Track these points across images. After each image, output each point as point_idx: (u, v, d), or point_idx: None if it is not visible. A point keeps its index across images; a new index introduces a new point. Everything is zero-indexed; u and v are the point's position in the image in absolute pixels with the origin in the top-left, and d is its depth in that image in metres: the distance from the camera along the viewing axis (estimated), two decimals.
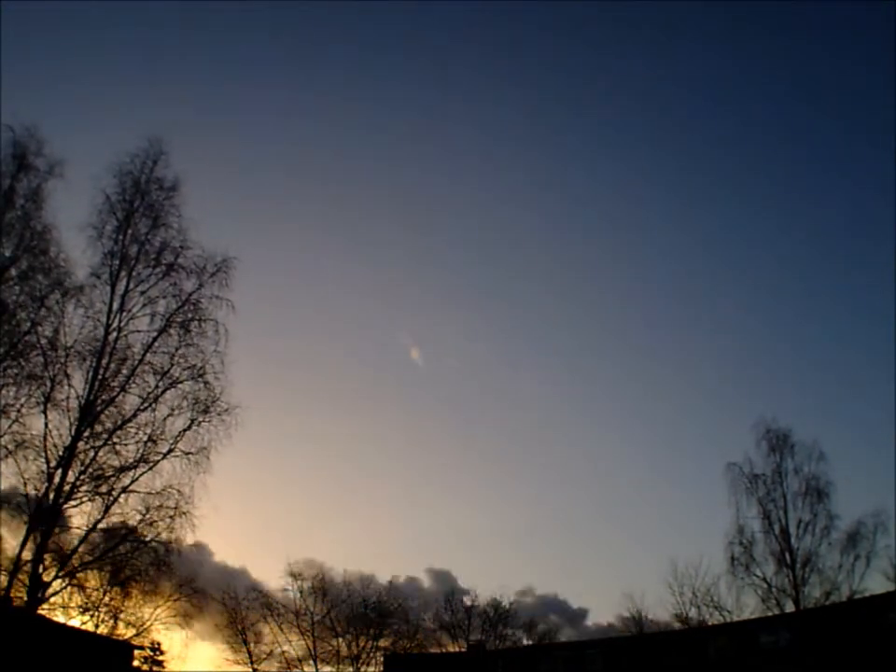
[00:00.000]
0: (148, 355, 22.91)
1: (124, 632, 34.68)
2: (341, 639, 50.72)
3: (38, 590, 20.79)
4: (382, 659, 51.71)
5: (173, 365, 23.00)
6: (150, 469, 22.45)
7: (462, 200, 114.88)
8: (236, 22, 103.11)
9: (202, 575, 34.64)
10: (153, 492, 22.46)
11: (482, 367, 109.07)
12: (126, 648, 34.71)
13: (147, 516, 22.46)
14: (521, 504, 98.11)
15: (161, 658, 46.29)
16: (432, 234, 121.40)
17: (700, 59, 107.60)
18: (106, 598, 30.39)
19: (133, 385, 22.66)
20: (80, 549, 21.89)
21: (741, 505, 39.20)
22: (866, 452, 79.76)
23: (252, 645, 49.65)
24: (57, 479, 21.25)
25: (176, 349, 23.11)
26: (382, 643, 51.89)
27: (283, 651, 50.21)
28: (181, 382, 23.04)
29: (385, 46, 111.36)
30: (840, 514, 38.38)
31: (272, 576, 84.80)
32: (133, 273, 23.48)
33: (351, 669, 50.38)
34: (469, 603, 56.80)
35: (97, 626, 32.58)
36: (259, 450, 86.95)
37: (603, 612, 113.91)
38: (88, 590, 25.57)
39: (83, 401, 21.95)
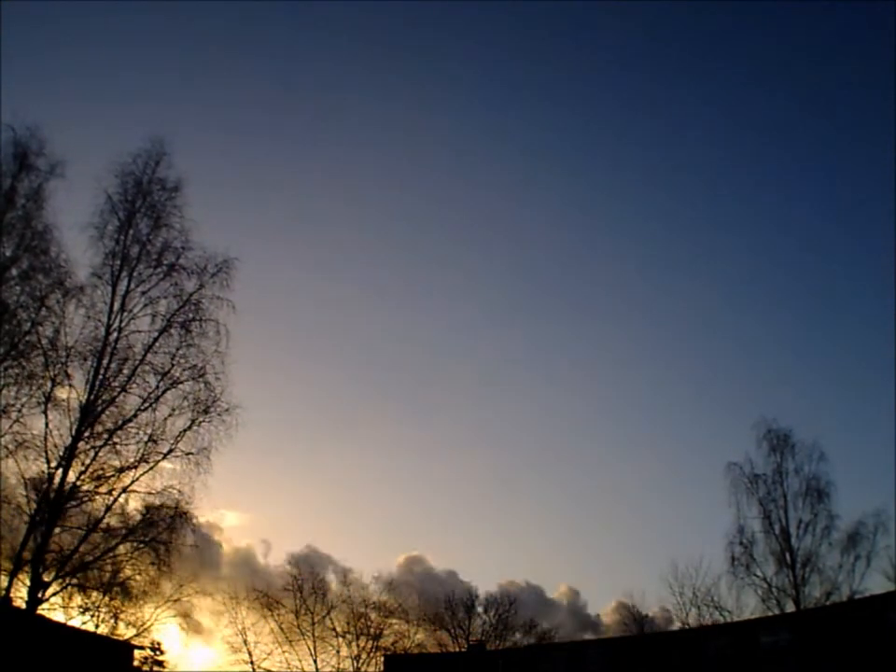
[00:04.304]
0: (149, 355, 22.87)
1: (124, 632, 34.65)
2: (341, 639, 50.68)
3: (38, 590, 20.78)
4: (382, 659, 51.67)
5: (173, 365, 22.95)
6: (151, 469, 22.46)
7: (464, 197, 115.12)
8: (238, 21, 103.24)
9: None
10: (153, 492, 22.50)
11: (481, 367, 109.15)
12: (126, 648, 34.72)
13: (147, 516, 22.47)
14: (520, 504, 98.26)
15: (160, 658, 46.33)
16: (433, 232, 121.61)
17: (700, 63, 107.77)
18: (106, 598, 30.32)
19: (134, 386, 22.65)
20: (80, 549, 21.85)
21: (741, 505, 39.15)
22: (866, 452, 79.92)
23: (252, 645, 49.60)
24: (57, 479, 21.24)
25: (177, 349, 23.06)
26: (382, 643, 51.82)
27: (283, 651, 50.15)
28: (182, 382, 23.00)
29: (388, 41, 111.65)
30: (840, 514, 38.39)
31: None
32: (135, 274, 23.42)
33: (351, 669, 50.32)
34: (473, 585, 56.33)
35: (97, 626, 32.54)
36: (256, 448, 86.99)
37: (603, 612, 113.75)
38: (88, 590, 25.50)
39: (84, 401, 21.92)
